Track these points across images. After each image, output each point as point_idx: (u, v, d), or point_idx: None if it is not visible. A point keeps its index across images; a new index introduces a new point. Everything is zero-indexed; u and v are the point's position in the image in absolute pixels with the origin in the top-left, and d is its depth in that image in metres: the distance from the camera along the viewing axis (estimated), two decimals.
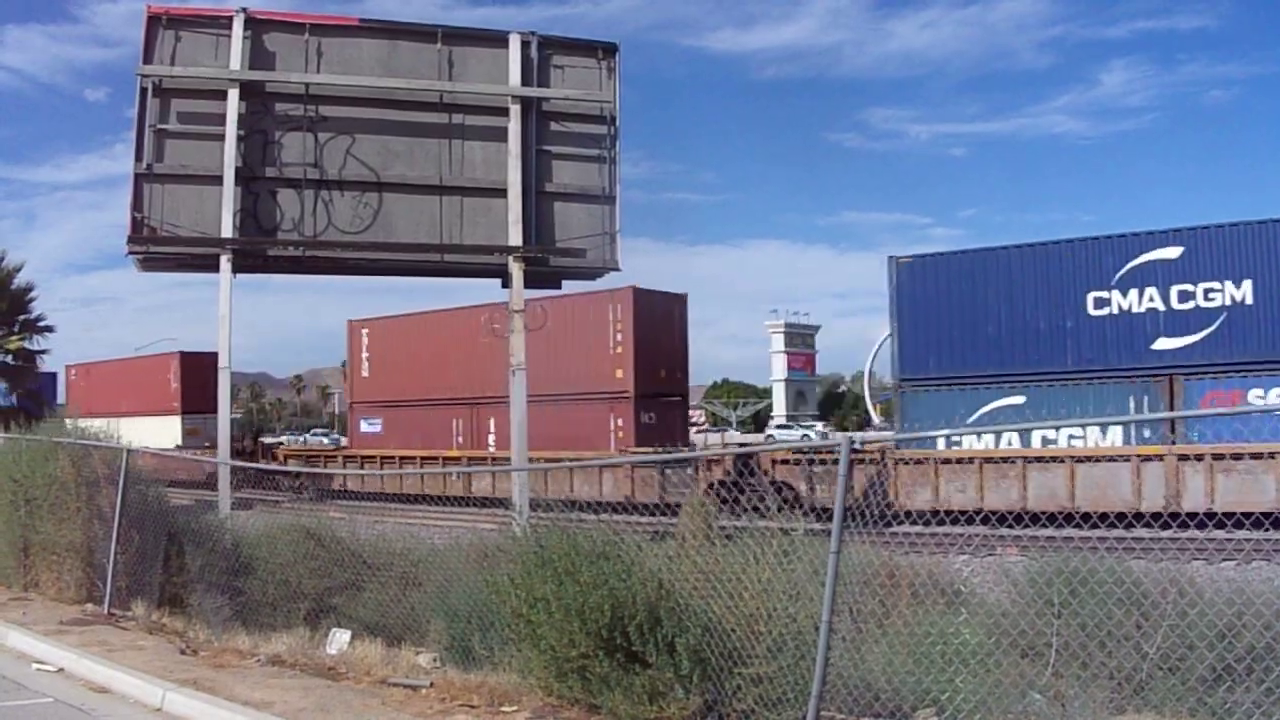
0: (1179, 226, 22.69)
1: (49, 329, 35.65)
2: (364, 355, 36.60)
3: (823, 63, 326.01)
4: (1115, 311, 22.97)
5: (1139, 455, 21.10)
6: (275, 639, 9.96)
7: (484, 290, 23.92)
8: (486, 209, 19.25)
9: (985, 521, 16.43)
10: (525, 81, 19.22)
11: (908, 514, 17.63)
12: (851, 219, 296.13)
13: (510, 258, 18.91)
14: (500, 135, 19.17)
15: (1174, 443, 21.11)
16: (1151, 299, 22.64)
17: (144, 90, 18.14)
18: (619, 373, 29.03)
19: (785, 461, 24.90)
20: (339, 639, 9.79)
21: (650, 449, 27.90)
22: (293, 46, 18.76)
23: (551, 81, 19.62)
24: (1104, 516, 19.44)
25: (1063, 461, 21.68)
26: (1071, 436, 22.65)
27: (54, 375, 52.37)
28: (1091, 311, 23.18)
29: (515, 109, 19.07)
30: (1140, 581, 6.44)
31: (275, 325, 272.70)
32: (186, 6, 18.97)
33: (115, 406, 41.75)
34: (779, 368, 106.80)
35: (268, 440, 51.27)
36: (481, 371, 30.32)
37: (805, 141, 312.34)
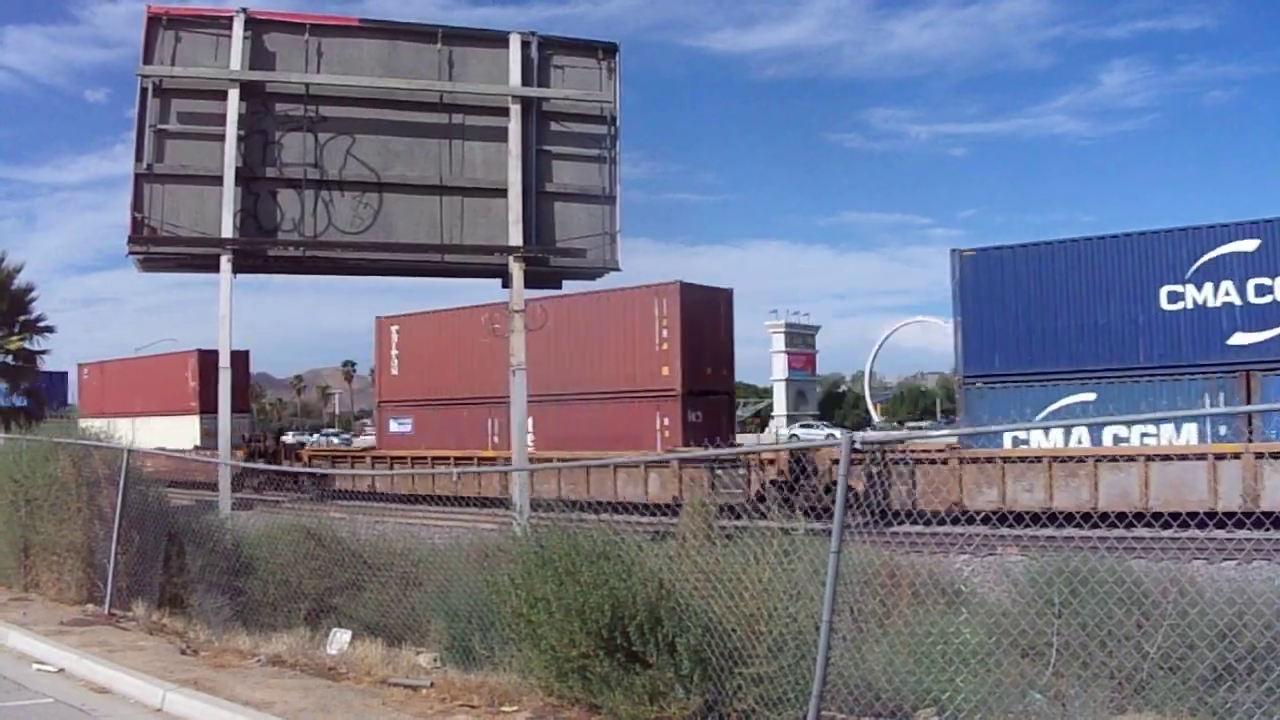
0: (1256, 219, 22.15)
1: (49, 329, 35.74)
2: (393, 353, 35.67)
3: (823, 63, 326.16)
4: (1189, 306, 22.38)
5: (1215, 453, 20.48)
6: (276, 639, 9.96)
7: (485, 290, 23.88)
8: (487, 209, 19.24)
9: (1054, 522, 16.16)
10: (525, 82, 19.22)
11: (972, 515, 17.35)
12: (851, 219, 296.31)
13: (510, 258, 18.90)
14: (500, 135, 19.16)
15: (1251, 440, 20.54)
16: (1227, 293, 22.04)
17: (144, 90, 18.12)
18: (665, 370, 28.37)
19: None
20: (339, 639, 9.80)
21: (698, 449, 27.16)
22: (293, 47, 18.75)
23: (552, 81, 19.61)
24: (1175, 516, 18.90)
25: (1136, 460, 21.12)
26: (1144, 434, 22.19)
27: (64, 375, 51.94)
28: (1165, 306, 22.61)
29: (515, 109, 19.06)
30: (1141, 581, 6.44)
31: (275, 326, 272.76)
32: (187, 7, 18.98)
33: (130, 406, 41.57)
34: (779, 368, 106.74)
35: (289, 440, 50.28)
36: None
37: (805, 142, 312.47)
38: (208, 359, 39.57)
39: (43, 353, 35.68)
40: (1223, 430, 21.48)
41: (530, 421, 29.67)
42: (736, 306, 30.91)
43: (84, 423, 42.92)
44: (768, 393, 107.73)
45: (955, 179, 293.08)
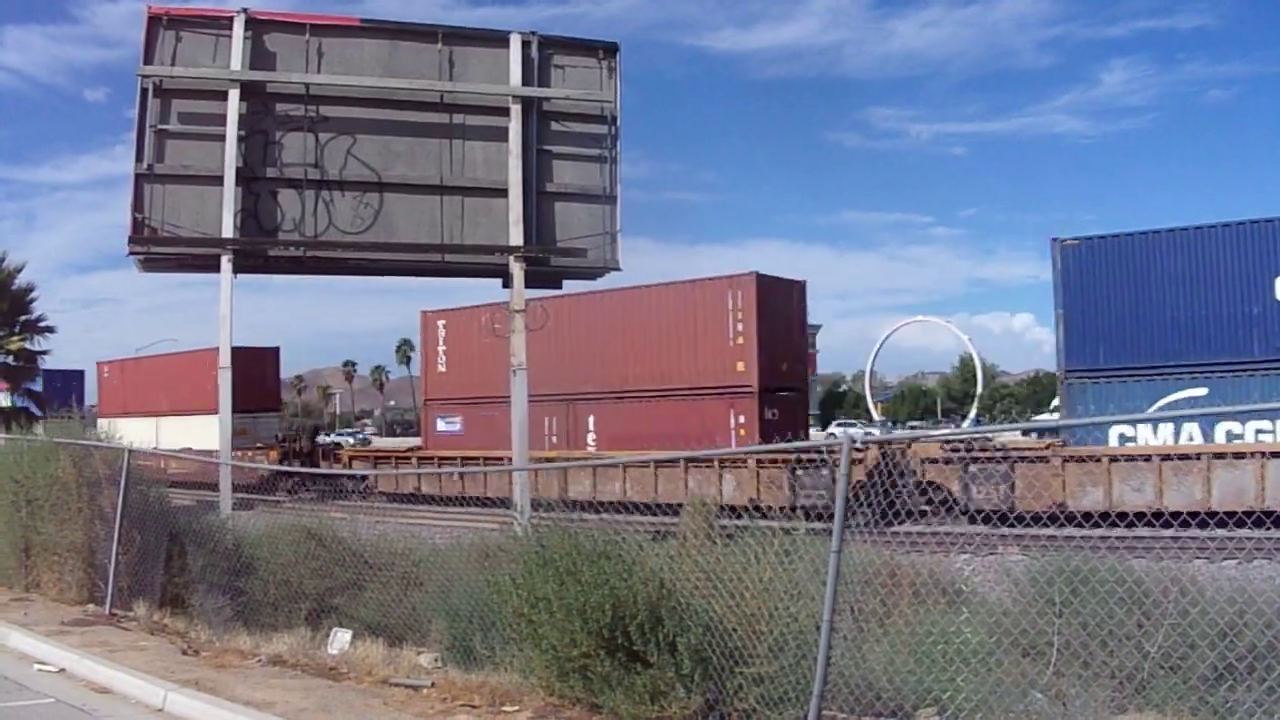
0: None
1: (49, 329, 35.79)
2: (440, 348, 34.09)
3: (823, 62, 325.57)
4: None
5: None
6: (276, 639, 9.97)
7: (487, 290, 23.75)
8: (487, 209, 19.24)
9: (1164, 524, 15.47)
10: (526, 81, 19.21)
11: (1078, 517, 16.70)
12: (852, 218, 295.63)
13: (511, 258, 18.90)
14: (501, 135, 19.15)
15: None
16: None
17: (144, 91, 18.11)
18: (740, 365, 26.90)
19: (939, 460, 22.93)
20: (340, 639, 9.80)
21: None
22: (293, 47, 18.75)
23: (552, 81, 19.60)
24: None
25: (1251, 457, 20.21)
26: (1259, 431, 21.42)
27: (80, 373, 50.94)
28: None
29: (516, 109, 19.05)
30: (1142, 580, 6.44)
31: (276, 326, 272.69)
32: (187, 7, 18.97)
33: (154, 406, 40.15)
34: None
35: (323, 440, 47.67)
36: (579, 365, 28.96)
37: (806, 141, 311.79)
38: (238, 355, 38.48)
39: (43, 353, 35.75)
40: None
41: (591, 420, 29.26)
42: None
43: (103, 423, 42.56)
44: None
45: (956, 178, 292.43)
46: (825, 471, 23.72)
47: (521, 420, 19.17)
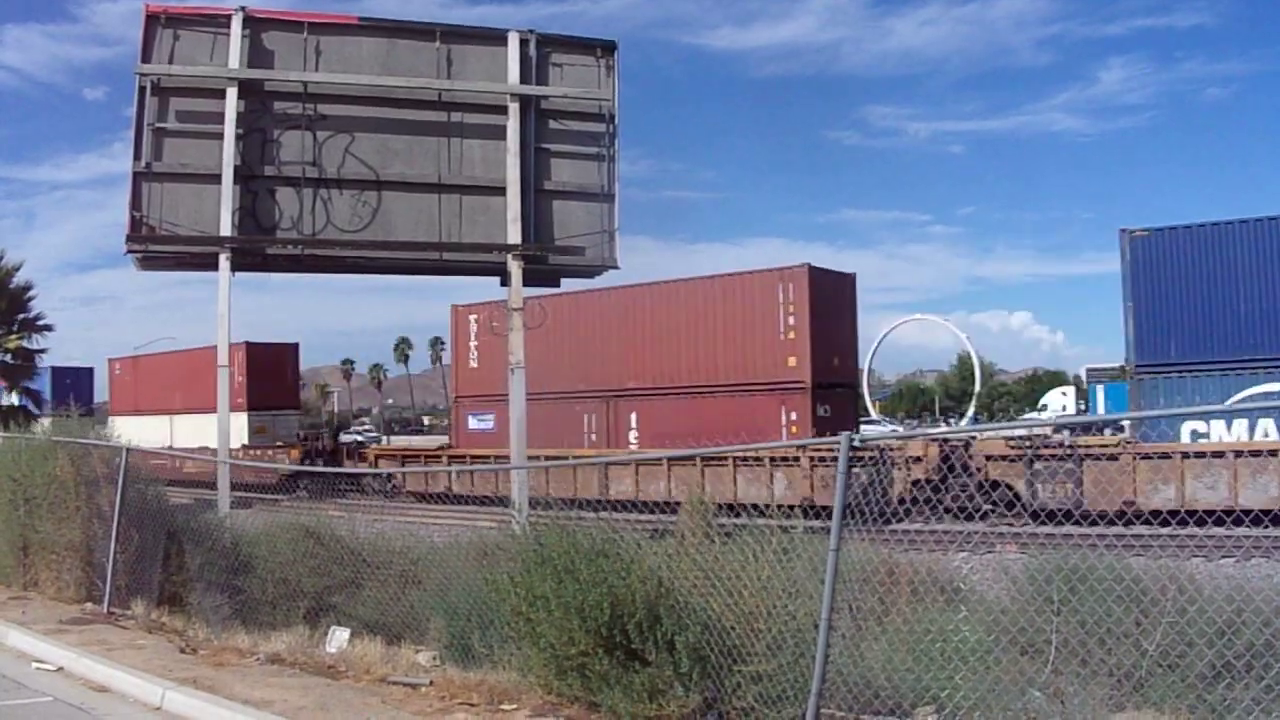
0: None
1: (48, 328, 35.57)
2: (472, 344, 32.76)
3: (821, 60, 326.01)
4: None
5: None
6: (275, 637, 9.97)
7: (485, 288, 23.58)
8: (485, 207, 19.24)
9: (1238, 523, 15.00)
10: (524, 80, 19.21)
11: (1148, 515, 16.12)
12: (850, 216, 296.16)
13: (509, 256, 18.90)
14: (499, 133, 19.15)
15: None
16: None
17: (142, 89, 18.11)
18: (791, 360, 26.09)
19: (1002, 457, 22.23)
20: (338, 637, 9.79)
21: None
22: (291, 45, 18.74)
23: (550, 80, 19.60)
24: None
25: None
26: None
27: (90, 371, 49.81)
28: None
29: (514, 107, 19.04)
30: (1140, 578, 6.45)
31: (274, 324, 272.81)
32: (185, 5, 18.94)
33: (168, 403, 39.36)
34: None
35: (345, 438, 46.89)
36: (620, 361, 28.36)
37: (804, 139, 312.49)
38: (257, 352, 37.59)
39: (41, 351, 35.59)
40: None
41: (633, 417, 28.47)
42: None
43: (114, 421, 41.89)
44: None
45: (954, 176, 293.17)
46: (882, 470, 23.24)
47: (520, 419, 19.16)
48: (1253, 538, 14.56)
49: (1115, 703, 6.24)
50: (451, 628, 9.17)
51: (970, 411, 69.84)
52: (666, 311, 28.38)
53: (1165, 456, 20.87)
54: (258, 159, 18.53)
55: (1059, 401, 65.58)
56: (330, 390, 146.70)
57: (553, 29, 26.00)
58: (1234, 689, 5.95)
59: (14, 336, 33.91)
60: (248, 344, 37.27)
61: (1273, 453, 20.12)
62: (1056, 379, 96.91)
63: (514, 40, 19.21)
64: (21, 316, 34.48)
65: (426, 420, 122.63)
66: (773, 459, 24.52)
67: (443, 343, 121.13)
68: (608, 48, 20.04)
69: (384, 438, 75.12)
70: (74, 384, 44.49)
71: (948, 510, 20.42)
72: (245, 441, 36.42)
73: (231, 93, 18.06)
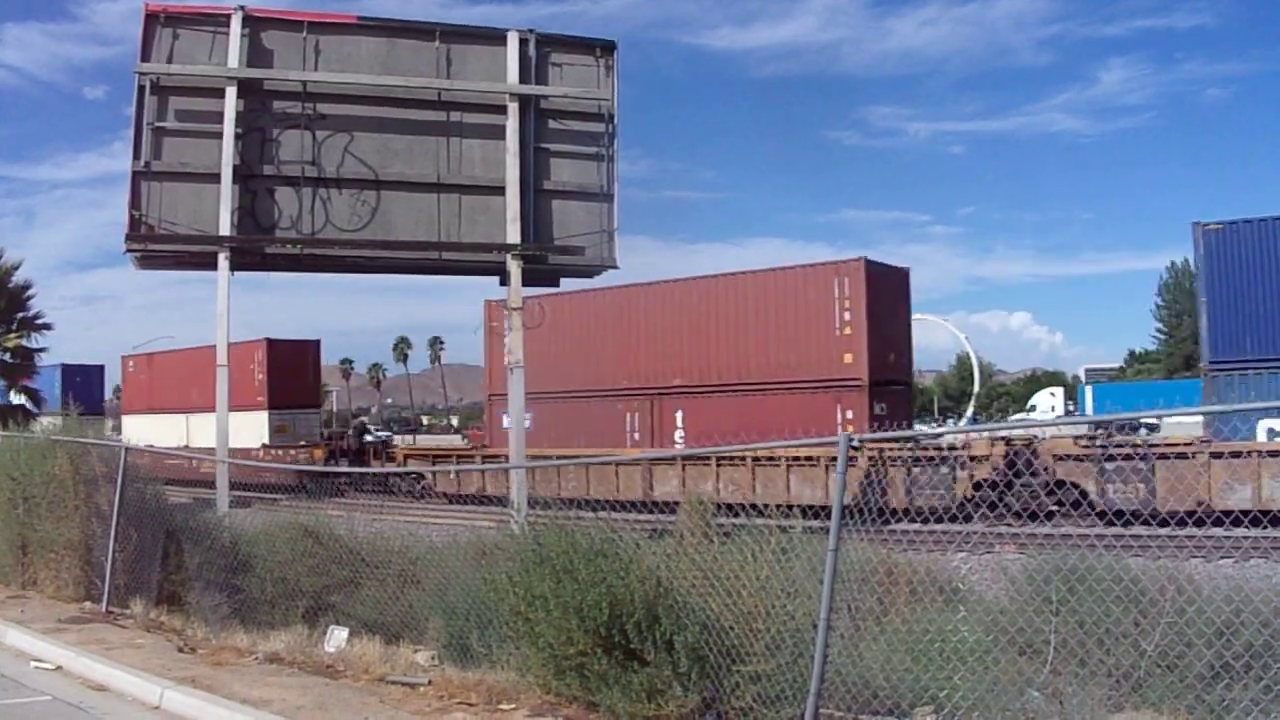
0: None
1: (47, 327, 35.49)
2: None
3: (822, 60, 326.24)
4: None
5: None
6: (273, 637, 9.96)
7: (486, 287, 23.57)
8: (485, 207, 19.24)
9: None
10: (523, 79, 19.21)
11: (1221, 518, 15.37)
12: (850, 217, 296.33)
13: (508, 256, 18.91)
14: (498, 133, 19.16)
15: None
16: None
17: (142, 88, 18.11)
18: (847, 357, 25.17)
19: (1071, 457, 21.42)
20: (337, 637, 9.79)
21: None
22: (291, 44, 18.75)
23: (550, 79, 19.61)
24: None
25: None
26: None
27: (100, 369, 48.59)
28: None
29: (513, 107, 19.05)
30: (1138, 579, 6.45)
31: (273, 323, 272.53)
32: (184, 4, 18.94)
33: (184, 401, 38.07)
34: None
35: (370, 438, 44.86)
36: (666, 357, 27.75)
37: (805, 139, 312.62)
38: (278, 349, 36.68)
39: (41, 350, 35.51)
40: None
41: (679, 416, 27.57)
42: None
43: (126, 421, 40.99)
44: None
45: (954, 176, 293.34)
46: (946, 469, 22.30)
47: (519, 419, 19.20)
48: (1251, 538, 14.56)
49: (1114, 703, 6.23)
50: (450, 627, 9.17)
51: (969, 412, 69.74)
52: (714, 307, 27.56)
53: (1240, 455, 20.12)
54: (257, 158, 18.53)
55: (1048, 402, 65.41)
56: (329, 389, 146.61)
57: (552, 29, 26.07)
58: (1233, 689, 5.95)
59: (13, 335, 33.86)
60: (268, 340, 36.86)
61: None
62: (1056, 380, 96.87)
63: (513, 40, 19.22)
64: (21, 315, 34.43)
65: (425, 420, 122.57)
66: (829, 460, 23.03)
67: (442, 343, 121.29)
68: (607, 47, 20.05)
69: (409, 437, 73.90)
70: (84, 382, 43.88)
71: (1015, 513, 19.82)
72: (266, 441, 35.84)
73: (231, 92, 18.07)
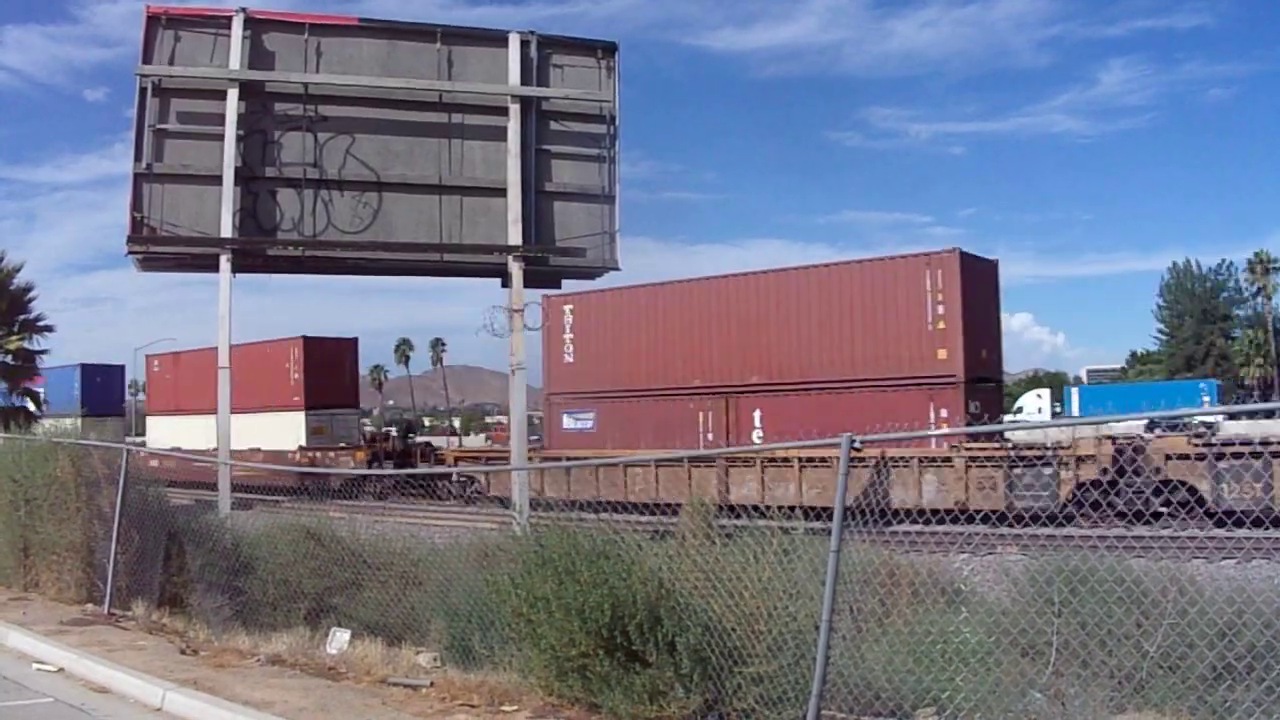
0: None
1: (49, 329, 35.53)
2: (566, 336, 30.11)
3: (823, 62, 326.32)
4: None
5: None
6: (275, 639, 9.96)
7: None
8: (486, 208, 19.26)
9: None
10: (525, 81, 19.23)
11: None
12: (851, 217, 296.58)
13: (510, 257, 18.92)
14: (500, 135, 19.18)
15: None
16: None
17: (143, 90, 18.14)
18: (941, 353, 24.04)
19: (1184, 456, 20.42)
20: (339, 639, 9.79)
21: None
22: (292, 46, 18.77)
23: (551, 81, 19.63)
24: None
25: None
26: None
27: (120, 369, 47.30)
28: None
29: (515, 108, 19.07)
30: (1140, 580, 6.44)
31: (274, 325, 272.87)
32: (186, 6, 19.00)
33: (213, 402, 36.86)
34: None
35: (417, 440, 43.60)
36: (742, 354, 26.71)
37: (805, 141, 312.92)
38: (315, 347, 35.69)
39: (43, 352, 35.57)
40: None
41: (756, 415, 26.38)
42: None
43: (152, 422, 40.14)
44: None
45: (954, 177, 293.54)
46: (1049, 470, 21.44)
47: (520, 419, 19.21)
48: (1254, 539, 14.54)
49: (1116, 704, 6.23)
50: (452, 629, 9.17)
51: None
52: (796, 302, 26.49)
53: None
54: (258, 160, 18.55)
55: (1034, 404, 65.17)
56: None
57: (553, 30, 26.10)
58: (1235, 690, 5.95)
59: (15, 337, 33.90)
60: (305, 339, 35.95)
61: None
62: (1057, 380, 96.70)
63: (514, 41, 19.24)
64: (22, 318, 34.47)
65: (428, 421, 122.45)
66: (921, 460, 22.51)
67: (443, 344, 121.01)
68: (608, 49, 20.07)
69: (453, 439, 71.75)
70: (104, 382, 43.16)
71: (1121, 515, 19.25)
72: (303, 443, 34.72)
73: (232, 94, 18.09)
